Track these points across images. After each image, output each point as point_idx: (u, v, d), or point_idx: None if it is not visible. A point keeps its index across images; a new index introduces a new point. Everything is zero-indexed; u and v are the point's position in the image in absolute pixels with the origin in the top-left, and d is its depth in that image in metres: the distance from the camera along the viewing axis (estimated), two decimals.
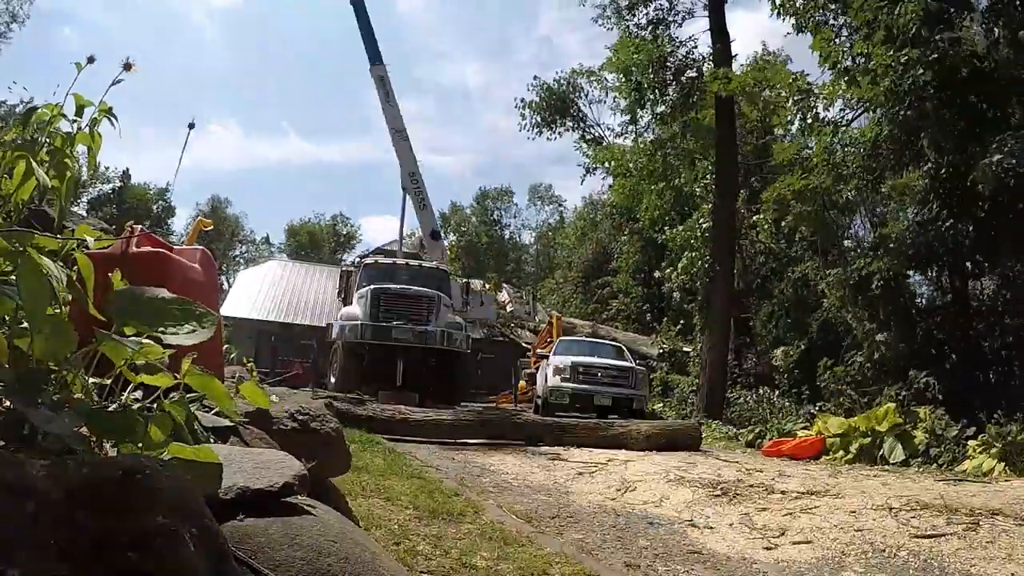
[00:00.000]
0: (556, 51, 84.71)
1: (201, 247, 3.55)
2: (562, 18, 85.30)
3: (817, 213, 15.08)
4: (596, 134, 29.48)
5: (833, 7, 13.94)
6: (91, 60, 1.62)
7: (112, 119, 1.64)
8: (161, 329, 1.26)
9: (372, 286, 15.09)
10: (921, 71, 11.63)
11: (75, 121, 1.60)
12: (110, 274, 1.42)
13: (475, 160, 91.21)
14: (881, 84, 12.22)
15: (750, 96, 15.96)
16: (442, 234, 25.73)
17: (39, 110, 1.61)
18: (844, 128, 14.71)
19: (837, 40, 13.98)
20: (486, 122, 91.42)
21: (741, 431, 12.62)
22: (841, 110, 15.03)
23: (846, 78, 13.37)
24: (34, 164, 1.42)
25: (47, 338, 1.13)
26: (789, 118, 16.07)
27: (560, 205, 58.13)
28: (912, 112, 11.96)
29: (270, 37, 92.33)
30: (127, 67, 1.65)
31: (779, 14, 14.74)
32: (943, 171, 11.98)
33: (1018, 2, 12.02)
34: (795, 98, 14.75)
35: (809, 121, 14.68)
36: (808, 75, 15.08)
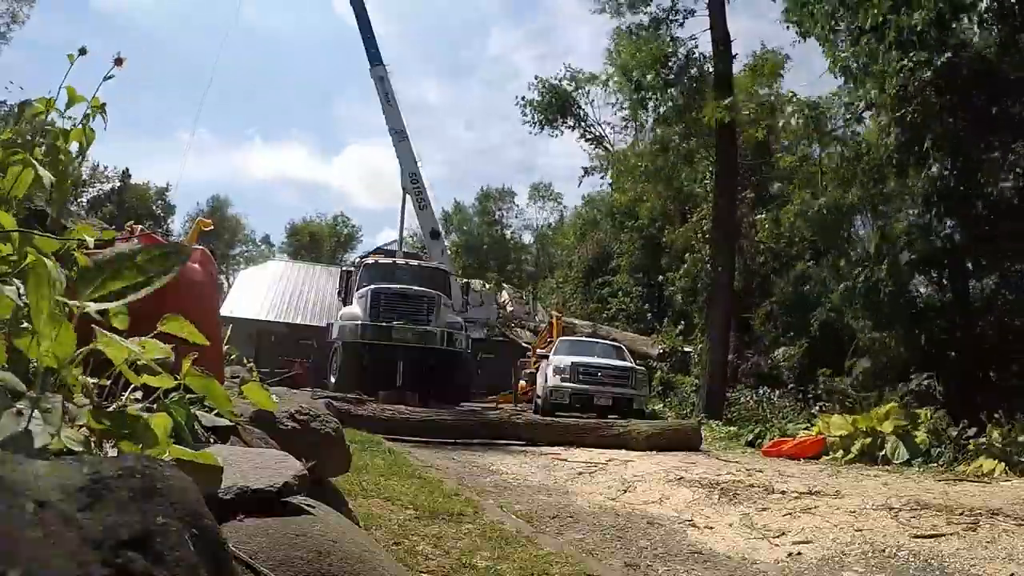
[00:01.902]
0: (508, 69, 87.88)
1: (201, 247, 3.54)
2: (511, 41, 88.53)
3: (820, 218, 15.06)
4: (597, 133, 29.53)
5: (841, 11, 13.89)
6: (83, 52, 1.62)
7: (103, 115, 1.64)
8: (122, 292, 1.16)
9: (372, 286, 15.10)
10: (928, 73, 11.57)
11: (69, 117, 1.60)
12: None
13: (440, 171, 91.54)
14: (889, 88, 12.13)
15: (753, 121, 15.93)
16: (442, 234, 25.74)
17: (33, 104, 1.61)
18: (848, 133, 14.69)
19: (842, 44, 13.96)
20: (448, 135, 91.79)
21: (741, 431, 12.61)
22: (846, 119, 14.99)
23: (856, 83, 13.25)
24: (34, 162, 1.42)
25: (48, 339, 1.12)
26: (792, 130, 16.03)
27: (559, 203, 57.86)
28: (917, 115, 11.92)
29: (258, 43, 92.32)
30: (118, 62, 1.65)
31: (787, 21, 14.72)
32: (946, 173, 11.97)
33: (1019, 6, 12.00)
34: (800, 111, 14.67)
35: (812, 129, 14.63)
36: (806, 83, 15.13)
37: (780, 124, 16.24)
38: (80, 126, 1.61)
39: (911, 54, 11.82)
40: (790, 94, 15.19)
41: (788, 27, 14.82)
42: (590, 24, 78.01)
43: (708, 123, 17.39)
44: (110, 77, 1.63)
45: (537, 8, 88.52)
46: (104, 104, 1.62)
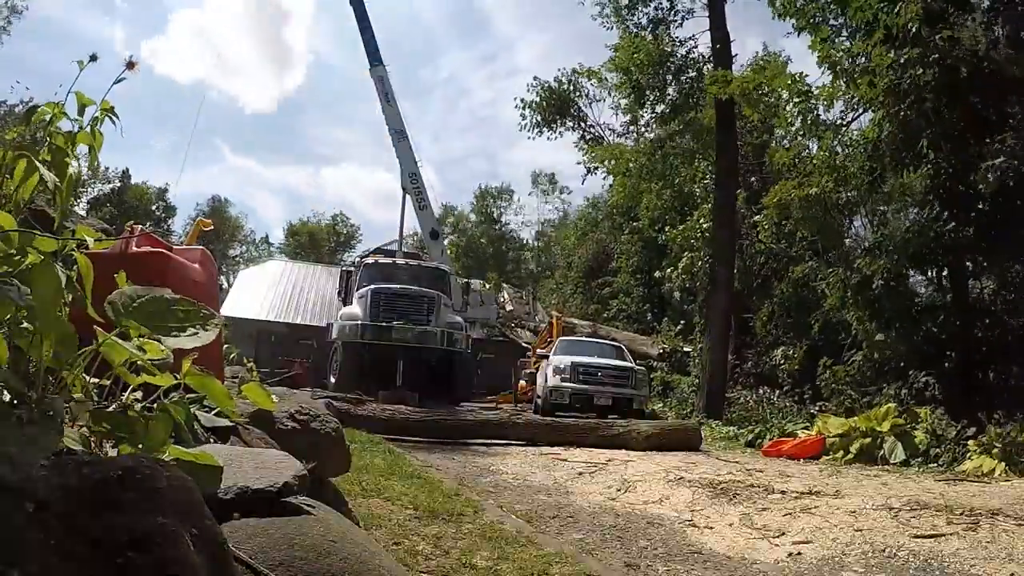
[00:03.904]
0: (461, 89, 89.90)
1: (201, 247, 3.55)
2: (463, 60, 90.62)
3: (818, 215, 15.06)
4: (596, 133, 29.45)
5: (833, 7, 13.93)
6: (93, 58, 1.62)
7: (114, 118, 1.64)
8: (162, 331, 1.24)
9: (372, 286, 15.10)
10: (920, 71, 11.63)
11: (77, 120, 1.60)
12: (115, 275, 1.41)
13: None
14: (879, 84, 12.22)
15: (749, 99, 15.92)
16: (441, 233, 25.74)
17: (40, 108, 1.61)
18: (844, 129, 14.69)
19: (836, 40, 14.01)
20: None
21: (741, 431, 12.60)
22: (841, 111, 15.02)
23: (844, 79, 13.38)
24: (37, 163, 1.42)
25: (50, 340, 1.12)
26: (789, 120, 16.04)
27: (562, 196, 57.42)
28: (912, 112, 11.94)
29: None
30: (130, 66, 1.64)
31: (780, 16, 14.75)
32: (943, 171, 11.97)
33: (1018, 1, 12.01)
34: (795, 100, 14.70)
35: (809, 123, 14.64)
36: (807, 75, 15.08)
37: (775, 105, 16.18)
38: (87, 130, 1.61)
39: (903, 51, 11.83)
40: (793, 78, 15.10)
41: (783, 19, 14.85)
42: (537, 46, 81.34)
43: (708, 123, 17.36)
44: (121, 80, 1.62)
45: (486, 32, 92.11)
46: (113, 107, 1.62)
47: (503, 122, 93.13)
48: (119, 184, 49.26)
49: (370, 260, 17.95)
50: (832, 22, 14.33)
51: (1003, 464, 7.73)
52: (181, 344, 1.25)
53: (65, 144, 1.57)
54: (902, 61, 11.80)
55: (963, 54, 11.75)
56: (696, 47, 18.89)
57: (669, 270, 21.74)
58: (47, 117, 1.59)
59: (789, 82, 14.98)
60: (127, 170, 49.97)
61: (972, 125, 11.81)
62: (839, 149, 14.36)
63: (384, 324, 14.16)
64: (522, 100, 25.23)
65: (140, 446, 1.23)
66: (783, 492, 5.88)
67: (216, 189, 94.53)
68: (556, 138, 28.09)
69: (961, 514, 4.75)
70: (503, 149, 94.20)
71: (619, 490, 6.22)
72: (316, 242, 58.37)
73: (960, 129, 11.80)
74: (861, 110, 14.32)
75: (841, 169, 14.17)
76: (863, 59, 12.94)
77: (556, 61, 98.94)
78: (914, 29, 11.70)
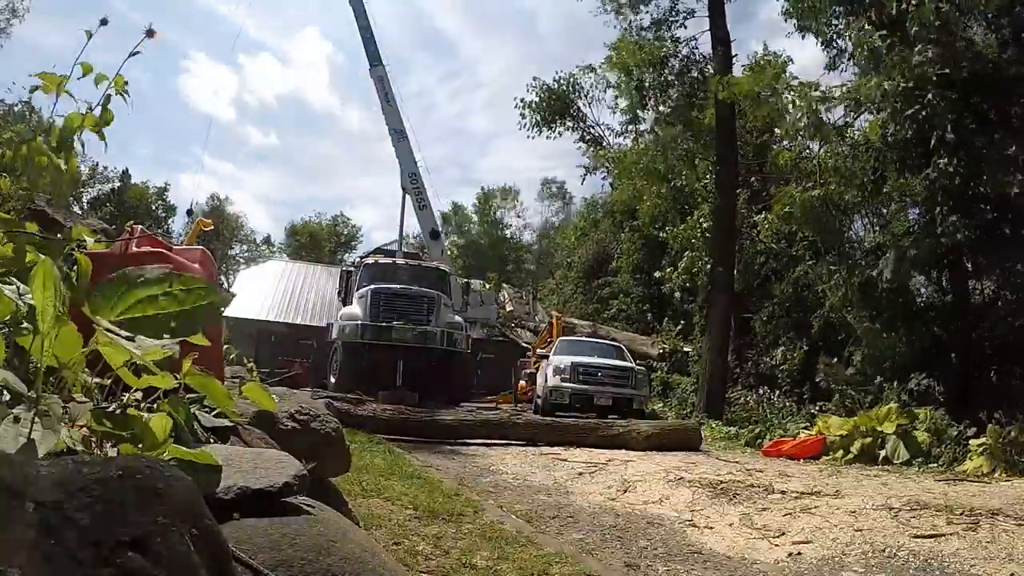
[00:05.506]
0: (428, 104, 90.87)
1: (201, 247, 3.55)
2: (433, 76, 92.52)
3: (820, 216, 15.05)
4: (596, 134, 29.45)
5: (840, 8, 13.90)
6: (104, 22, 1.55)
7: (125, 95, 1.55)
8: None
9: (372, 286, 15.12)
10: (931, 70, 11.57)
11: (86, 102, 1.52)
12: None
13: (390, 186, 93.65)
14: (896, 82, 12.10)
15: (755, 103, 15.90)
16: (442, 234, 25.75)
17: (66, 118, 1.53)
18: (848, 130, 14.67)
19: (842, 40, 14.01)
20: (389, 155, 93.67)
21: (741, 431, 12.61)
22: (843, 115, 15.00)
23: (856, 72, 13.29)
24: (47, 149, 1.40)
25: (50, 340, 1.12)
26: (793, 122, 16.01)
27: (567, 203, 57.94)
28: (919, 113, 11.90)
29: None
30: (150, 34, 1.57)
31: (788, 16, 14.77)
32: (947, 173, 11.96)
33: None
34: (799, 103, 14.66)
35: (812, 122, 14.62)
36: (812, 80, 15.07)
37: (780, 108, 16.19)
38: (92, 111, 1.54)
39: (917, 48, 11.77)
40: (792, 80, 15.11)
41: (786, 20, 14.88)
42: (499, 61, 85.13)
43: (708, 123, 17.32)
44: (136, 53, 1.56)
45: (452, 51, 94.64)
46: (127, 82, 1.54)
47: (472, 132, 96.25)
48: (119, 184, 49.26)
49: (370, 260, 17.96)
50: (835, 21, 14.33)
51: (1003, 464, 7.74)
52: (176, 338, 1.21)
53: (73, 124, 1.51)
54: (920, 60, 11.71)
55: (969, 55, 11.72)
56: (697, 47, 18.95)
57: (669, 270, 21.73)
58: (54, 118, 1.56)
59: (797, 88, 14.96)
60: (127, 170, 50.00)
61: (977, 126, 11.79)
62: (842, 150, 14.34)
63: (384, 324, 14.17)
64: (522, 100, 25.26)
65: (140, 446, 1.23)
66: (783, 492, 5.88)
67: None
68: (555, 138, 28.06)
69: (961, 514, 4.75)
70: (476, 158, 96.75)
71: (619, 490, 6.22)
72: (317, 242, 58.38)
73: (964, 130, 11.79)
74: (863, 111, 14.30)
75: (845, 170, 14.16)
76: (877, 52, 12.85)
77: (519, 75, 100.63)
78: (931, 28, 11.59)
